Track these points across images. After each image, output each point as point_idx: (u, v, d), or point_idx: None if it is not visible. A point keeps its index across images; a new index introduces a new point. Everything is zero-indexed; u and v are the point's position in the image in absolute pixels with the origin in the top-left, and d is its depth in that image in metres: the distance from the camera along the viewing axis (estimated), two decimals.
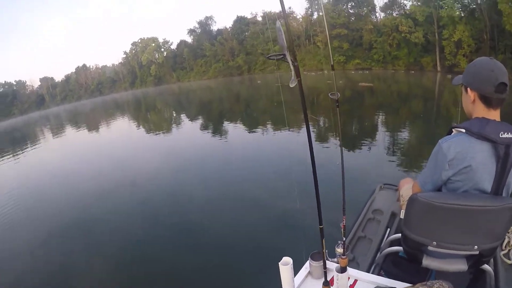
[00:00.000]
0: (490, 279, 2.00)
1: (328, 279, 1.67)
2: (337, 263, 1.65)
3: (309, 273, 1.83)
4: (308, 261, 1.82)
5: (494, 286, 2.03)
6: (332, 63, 1.73)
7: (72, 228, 6.48)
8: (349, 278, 1.68)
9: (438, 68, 35.27)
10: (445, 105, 16.04)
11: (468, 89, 1.60)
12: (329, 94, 1.74)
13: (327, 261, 1.73)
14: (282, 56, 1.21)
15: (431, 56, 36.73)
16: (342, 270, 1.57)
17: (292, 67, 1.21)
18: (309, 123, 1.29)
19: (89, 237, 6.01)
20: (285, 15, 1.15)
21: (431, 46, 36.75)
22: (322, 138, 11.16)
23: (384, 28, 41.69)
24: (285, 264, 1.52)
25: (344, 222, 1.80)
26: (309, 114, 1.36)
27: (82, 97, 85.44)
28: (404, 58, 39.60)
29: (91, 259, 5.20)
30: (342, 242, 1.70)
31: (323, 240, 1.49)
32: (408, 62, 39.08)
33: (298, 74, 1.22)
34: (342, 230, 1.79)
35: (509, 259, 2.31)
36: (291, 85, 1.23)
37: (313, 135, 12.04)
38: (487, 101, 1.54)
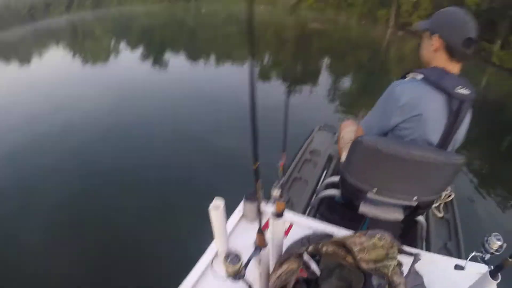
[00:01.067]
0: (422, 230, 2.10)
1: (263, 223, 1.43)
2: (258, 215, 1.33)
3: (243, 215, 1.73)
4: (242, 203, 1.71)
5: (424, 237, 2.15)
6: None
7: None
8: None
9: (391, 24, 35.63)
10: (391, 60, 16.27)
11: (434, 36, 1.51)
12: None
13: (262, 204, 1.54)
14: None
15: (387, 10, 36.70)
16: (278, 215, 1.35)
17: None
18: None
19: (19, 184, 5.29)
20: None
21: (388, 1, 36.55)
22: (267, 74, 10.86)
23: None
24: (216, 206, 1.35)
25: (283, 160, 1.60)
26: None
27: (12, 24, 76.56)
28: (359, 7, 39.33)
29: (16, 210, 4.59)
30: (280, 184, 1.51)
31: (258, 180, 1.18)
32: (362, 12, 38.85)
33: None
34: (281, 168, 1.61)
35: (440, 212, 2.54)
36: None
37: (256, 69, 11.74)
38: (451, 52, 1.49)
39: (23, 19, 73.06)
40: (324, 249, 1.20)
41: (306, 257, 1.22)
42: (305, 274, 1.22)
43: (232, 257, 1.32)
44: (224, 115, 7.03)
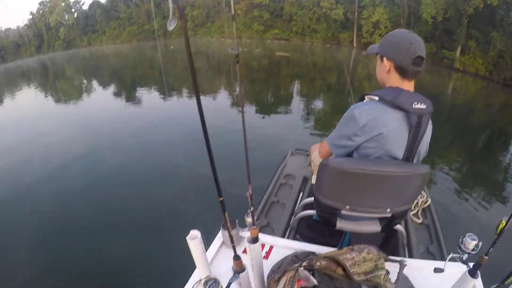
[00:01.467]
0: (402, 237, 2.16)
1: (241, 250, 1.66)
2: (231, 243, 1.46)
3: (223, 242, 1.77)
4: (220, 231, 1.75)
5: (406, 244, 2.20)
6: (233, 13, 1.30)
7: None
8: (263, 245, 1.68)
9: (354, 45, 37.16)
10: (358, 78, 16.68)
11: (384, 58, 1.57)
12: (228, 49, 1.46)
13: (240, 231, 1.73)
14: None
15: (349, 32, 38.47)
16: (254, 240, 1.41)
17: (171, 4, 0.80)
18: (199, 89, 0.91)
19: None
20: None
21: (350, 24, 38.48)
22: (226, 104, 10.99)
23: (306, 2, 42.56)
24: (193, 238, 1.39)
25: (250, 191, 1.58)
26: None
27: None
28: (322, 32, 40.77)
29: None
30: (251, 211, 1.55)
31: (225, 213, 1.31)
32: (326, 36, 40.39)
33: (182, 15, 0.79)
34: (249, 199, 1.60)
35: (419, 219, 2.58)
36: (169, 28, 0.85)
37: (217, 100, 12.24)
38: (403, 72, 1.53)
39: None
40: (317, 264, 1.27)
41: (301, 270, 1.26)
42: (303, 284, 1.26)
43: (211, 283, 1.42)
44: (198, 146, 6.92)
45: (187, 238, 1.38)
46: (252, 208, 1.57)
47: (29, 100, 18.97)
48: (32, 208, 5.37)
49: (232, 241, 1.42)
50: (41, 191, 5.93)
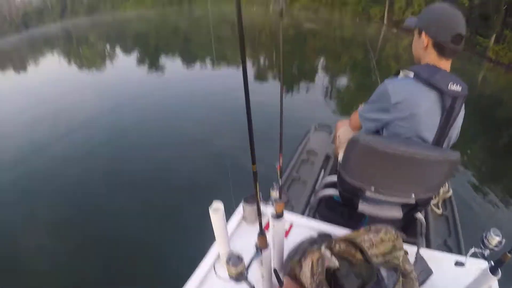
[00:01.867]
0: (421, 227, 2.07)
1: (264, 225, 1.54)
2: (258, 217, 1.39)
3: (243, 218, 1.73)
4: (241, 205, 1.72)
5: (424, 234, 2.14)
6: None
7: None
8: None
9: (385, 21, 35.59)
10: (386, 57, 16.21)
11: (423, 33, 1.50)
12: (271, 6, 1.27)
13: (262, 206, 1.48)
14: None
15: (380, 7, 36.70)
16: (278, 216, 1.38)
17: None
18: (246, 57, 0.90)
19: (16, 185, 5.32)
20: None
21: None
22: (262, 75, 11.03)
23: None
24: (216, 209, 1.36)
25: (280, 162, 1.68)
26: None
27: (6, 33, 76.48)
28: (352, 5, 39.27)
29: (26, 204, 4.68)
30: (278, 185, 1.60)
31: (257, 182, 1.23)
32: (356, 10, 38.85)
33: None
34: (278, 171, 1.68)
35: (439, 209, 2.53)
36: None
37: (253, 70, 12.12)
38: (441, 50, 1.47)
39: (17, 27, 73.09)
40: (337, 247, 1.24)
41: (324, 250, 1.23)
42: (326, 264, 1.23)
43: (234, 259, 1.35)
44: (222, 118, 6.91)
45: (210, 209, 1.34)
46: (280, 182, 1.60)
47: (53, 67, 19.33)
48: (52, 172, 5.53)
49: (259, 216, 1.36)
50: (60, 156, 6.07)
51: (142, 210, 4.29)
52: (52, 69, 18.39)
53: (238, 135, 5.59)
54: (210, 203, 1.37)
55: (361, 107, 1.74)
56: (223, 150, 5.48)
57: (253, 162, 1.11)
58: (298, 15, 36.95)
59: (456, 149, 1.51)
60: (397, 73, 1.58)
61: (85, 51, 25.16)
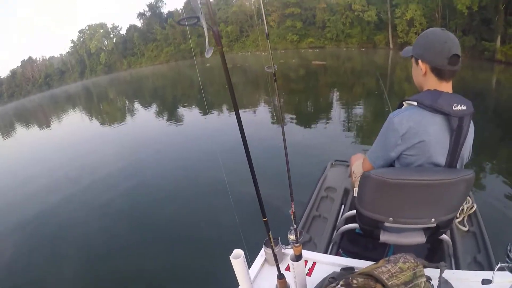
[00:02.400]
0: (448, 247, 2.08)
1: (284, 267, 1.66)
2: (275, 261, 1.50)
3: (266, 260, 1.76)
4: (263, 248, 1.73)
5: (452, 254, 2.11)
6: (266, 31, 1.41)
7: (23, 225, 6.09)
8: (306, 262, 1.66)
9: (391, 46, 36.15)
10: (398, 81, 16.30)
11: (419, 61, 1.54)
12: (265, 68, 1.53)
13: (282, 249, 1.73)
14: (195, 20, 0.89)
15: (384, 34, 37.51)
16: (297, 258, 1.43)
17: (206, 34, 0.91)
18: (238, 103, 1.08)
19: (41, 234, 5.68)
20: None
21: (384, 25, 37.53)
22: (266, 118, 11.19)
23: (337, 7, 42.00)
24: (237, 257, 1.40)
25: (293, 208, 1.69)
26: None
27: (30, 92, 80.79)
28: (357, 36, 40.13)
29: (41, 257, 4.87)
30: (294, 229, 1.59)
31: (269, 233, 1.38)
32: (361, 40, 39.68)
33: (218, 42, 0.93)
34: (292, 217, 1.69)
35: (465, 226, 2.45)
36: (207, 55, 0.94)
37: (256, 115, 12.27)
38: (440, 73, 1.49)
39: (40, 86, 76.94)
40: (354, 282, 1.22)
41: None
42: None
43: None
44: (240, 162, 7.02)
45: (231, 257, 1.40)
46: (295, 226, 1.61)
47: (75, 123, 20.27)
48: (78, 220, 5.80)
49: (276, 260, 1.45)
50: (86, 206, 6.34)
51: (170, 257, 4.35)
52: (74, 124, 19.49)
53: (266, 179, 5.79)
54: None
55: (369, 151, 1.78)
56: (242, 197, 5.53)
57: (264, 216, 1.25)
58: (306, 53, 37.78)
59: (477, 160, 1.54)
60: (401, 105, 1.61)
61: (105, 107, 26.26)
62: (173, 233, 4.95)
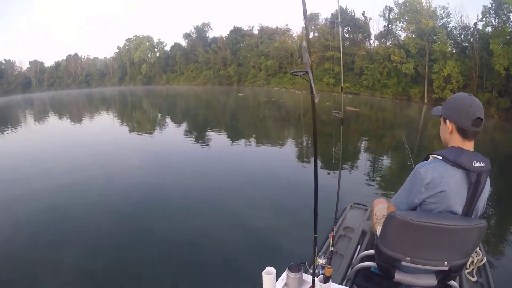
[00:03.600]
0: None
1: None
2: (312, 276, 1.70)
3: (286, 284, 1.83)
4: (285, 272, 1.83)
5: None
6: (342, 85, 1.62)
7: (43, 219, 6.24)
8: None
9: (425, 100, 35.78)
10: (429, 137, 16.17)
11: (447, 121, 1.76)
12: (333, 112, 2.12)
13: (304, 274, 1.84)
14: (304, 73, 1.29)
15: (420, 87, 37.22)
16: (326, 280, 1.60)
17: (312, 83, 1.30)
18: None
19: (58, 228, 5.79)
20: (308, 38, 1.25)
21: (421, 78, 37.34)
22: (295, 154, 11.78)
23: (376, 55, 42.11)
24: (269, 274, 1.57)
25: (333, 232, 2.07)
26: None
27: (69, 86, 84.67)
28: (393, 87, 39.91)
29: (60, 255, 4.94)
30: (329, 251, 1.89)
31: (316, 248, 1.58)
32: (397, 91, 39.44)
33: (312, 92, 1.34)
34: (331, 239, 2.10)
35: (473, 277, 2.57)
36: (316, 100, 1.35)
37: (286, 150, 12.88)
38: (464, 133, 1.71)
39: (79, 83, 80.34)
40: None
41: None
42: None
43: None
44: (264, 193, 7.38)
45: (263, 273, 1.57)
46: (331, 248, 1.93)
47: (106, 124, 21.46)
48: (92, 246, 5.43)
49: (313, 275, 1.60)
50: (104, 220, 6.15)
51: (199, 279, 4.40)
52: (105, 125, 20.73)
53: (278, 212, 6.24)
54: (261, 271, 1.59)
55: (394, 197, 1.96)
56: (268, 225, 5.74)
57: (315, 231, 1.46)
58: (339, 97, 37.90)
59: (491, 216, 1.64)
60: (427, 158, 1.81)
61: (137, 115, 27.07)
62: (201, 251, 5.01)
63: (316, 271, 1.77)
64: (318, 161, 1.76)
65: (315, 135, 1.37)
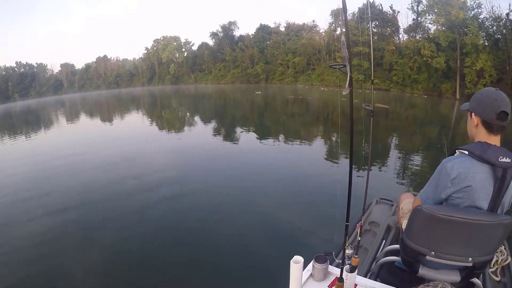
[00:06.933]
0: None
1: (327, 284, 1.83)
2: (341, 264, 1.72)
3: (311, 275, 1.89)
4: (311, 263, 1.88)
5: None
6: (372, 79, 2.06)
7: (71, 215, 6.47)
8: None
9: (457, 96, 34.46)
10: (462, 134, 15.72)
11: (473, 114, 1.78)
12: (363, 105, 2.11)
13: (329, 266, 1.90)
14: (343, 66, 1.38)
15: (451, 83, 35.94)
16: (352, 270, 1.65)
17: (348, 77, 1.38)
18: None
19: (87, 224, 6.03)
20: (347, 32, 1.33)
21: (452, 73, 36.05)
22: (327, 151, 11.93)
23: (406, 50, 41.00)
24: (296, 262, 1.60)
25: (362, 221, 2.04)
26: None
27: (99, 87, 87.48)
28: (423, 83, 38.75)
29: (86, 251, 5.11)
30: (357, 241, 1.90)
31: (347, 237, 1.59)
32: (427, 87, 38.24)
33: (350, 84, 1.40)
34: (359, 229, 2.03)
35: (497, 276, 2.55)
36: (344, 93, 1.41)
37: (317, 147, 13.08)
38: (489, 127, 1.72)
39: (109, 84, 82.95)
40: None
41: None
42: None
43: None
44: (288, 190, 7.50)
45: (291, 261, 1.60)
46: (359, 238, 1.92)
47: (135, 123, 22.08)
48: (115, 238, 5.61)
49: (343, 263, 1.61)
50: (128, 215, 6.33)
51: (227, 269, 4.49)
52: (133, 125, 21.18)
53: (304, 210, 6.31)
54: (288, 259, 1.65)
55: (421, 191, 1.99)
56: (296, 216, 5.91)
57: (347, 219, 1.48)
58: (369, 94, 37.23)
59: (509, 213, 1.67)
60: (453, 152, 1.84)
61: (167, 114, 27.67)
62: (233, 240, 5.22)
63: (336, 264, 1.83)
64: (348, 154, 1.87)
65: (352, 124, 1.44)
